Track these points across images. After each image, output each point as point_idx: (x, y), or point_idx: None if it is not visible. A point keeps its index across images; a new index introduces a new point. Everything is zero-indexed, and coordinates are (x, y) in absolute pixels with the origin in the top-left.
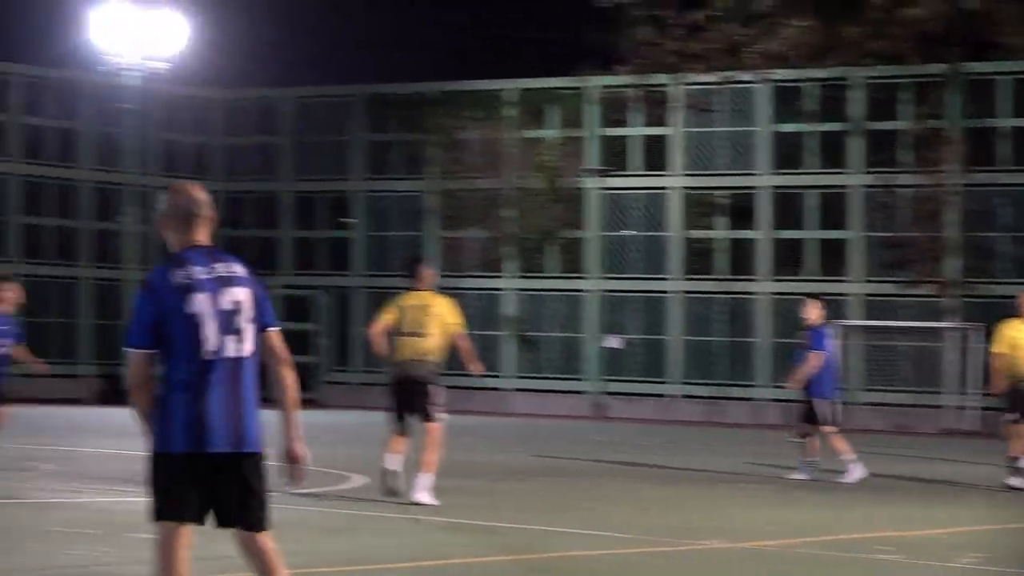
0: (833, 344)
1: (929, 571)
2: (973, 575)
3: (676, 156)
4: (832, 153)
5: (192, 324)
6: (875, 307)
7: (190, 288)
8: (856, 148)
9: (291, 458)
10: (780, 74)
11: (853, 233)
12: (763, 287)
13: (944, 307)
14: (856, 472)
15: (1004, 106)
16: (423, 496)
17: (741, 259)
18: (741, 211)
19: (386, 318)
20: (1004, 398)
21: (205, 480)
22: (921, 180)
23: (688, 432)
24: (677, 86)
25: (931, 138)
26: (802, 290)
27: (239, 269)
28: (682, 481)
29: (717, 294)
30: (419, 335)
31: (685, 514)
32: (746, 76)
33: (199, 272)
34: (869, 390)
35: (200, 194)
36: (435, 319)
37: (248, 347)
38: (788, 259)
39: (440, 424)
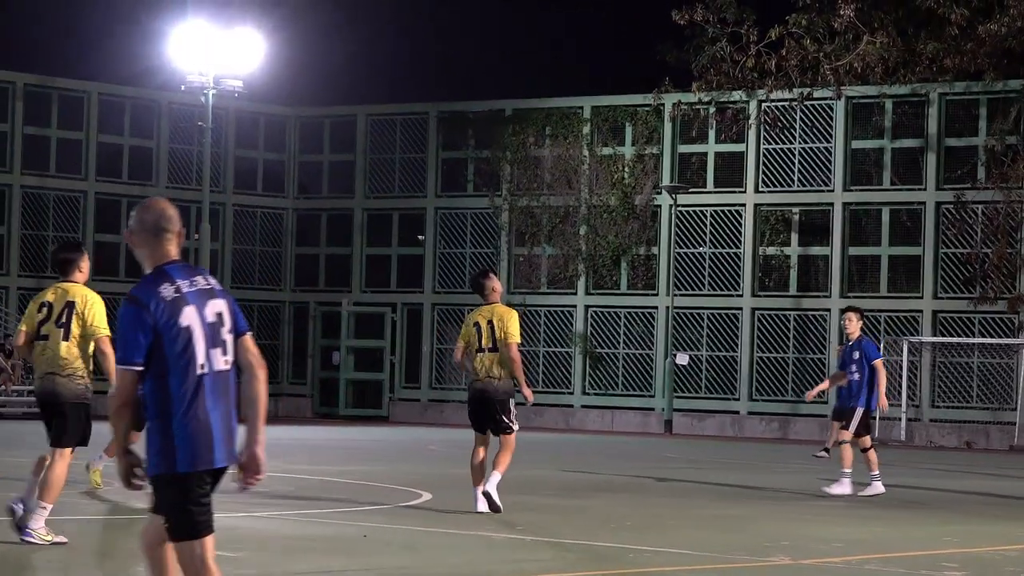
0: None
1: None
2: None
3: (750, 172)
4: (907, 169)
5: (184, 339)
6: (946, 324)
7: (180, 302)
8: (931, 164)
9: (252, 464)
10: (856, 90)
11: (925, 249)
12: (835, 303)
13: (1017, 323)
14: (845, 487)
15: None
16: (493, 488)
17: (813, 276)
18: (814, 228)
19: (462, 342)
20: None
21: (208, 491)
22: (996, 196)
23: (758, 449)
24: (752, 103)
25: (1007, 154)
26: (874, 307)
27: (214, 281)
28: (751, 498)
29: (788, 311)
30: (492, 350)
31: (753, 531)
32: (822, 92)
33: (184, 286)
34: (938, 406)
35: (170, 209)
36: (500, 331)
37: (231, 359)
38: (860, 275)
39: (514, 434)
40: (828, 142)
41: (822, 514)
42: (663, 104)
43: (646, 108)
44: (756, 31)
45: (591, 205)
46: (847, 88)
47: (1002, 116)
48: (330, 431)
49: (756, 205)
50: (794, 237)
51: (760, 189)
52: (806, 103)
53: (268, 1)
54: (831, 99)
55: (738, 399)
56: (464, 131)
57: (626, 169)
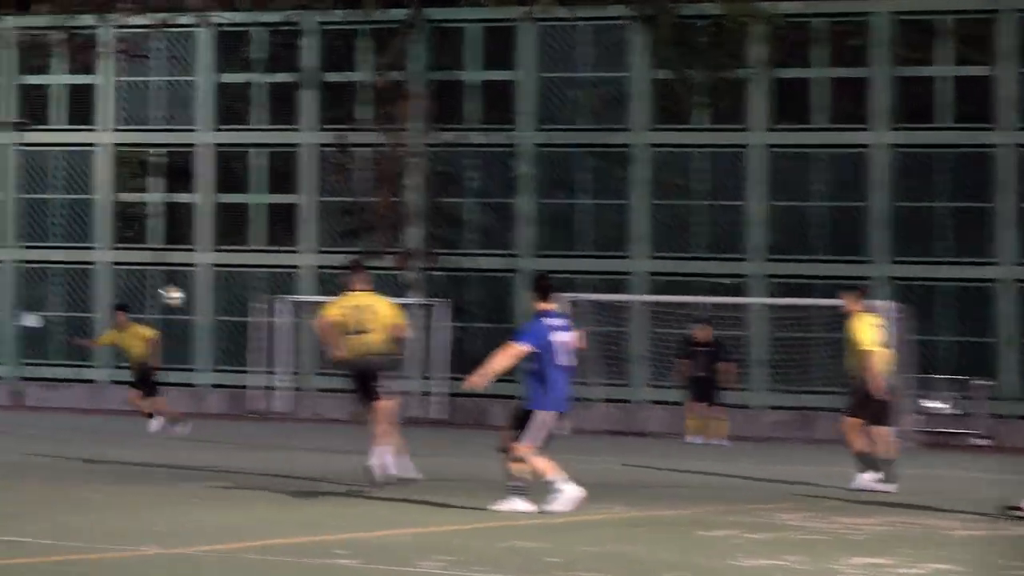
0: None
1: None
2: None
3: (105, 109)
4: (282, 107)
5: None
6: (330, 280)
7: None
8: (309, 102)
9: None
10: (224, 17)
11: (305, 197)
12: (204, 258)
13: (405, 280)
14: None
15: (472, 57)
16: None
17: (179, 226)
18: (178, 171)
19: None
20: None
21: None
22: (381, 138)
23: (118, 422)
24: (106, 28)
25: (392, 91)
26: (247, 261)
27: None
28: (129, 478)
29: (151, 265)
30: None
31: (117, 515)
32: (185, 19)
33: None
34: (323, 374)
35: None
36: None
37: None
38: (232, 226)
39: None
40: (192, 75)
41: (208, 498)
42: (0, 28)
43: None
44: None
45: None
46: (212, 14)
47: (385, 49)
48: None
49: (112, 145)
50: (156, 182)
51: (117, 127)
52: (166, 30)
53: None
54: (195, 26)
55: (96, 366)
56: None
57: None
